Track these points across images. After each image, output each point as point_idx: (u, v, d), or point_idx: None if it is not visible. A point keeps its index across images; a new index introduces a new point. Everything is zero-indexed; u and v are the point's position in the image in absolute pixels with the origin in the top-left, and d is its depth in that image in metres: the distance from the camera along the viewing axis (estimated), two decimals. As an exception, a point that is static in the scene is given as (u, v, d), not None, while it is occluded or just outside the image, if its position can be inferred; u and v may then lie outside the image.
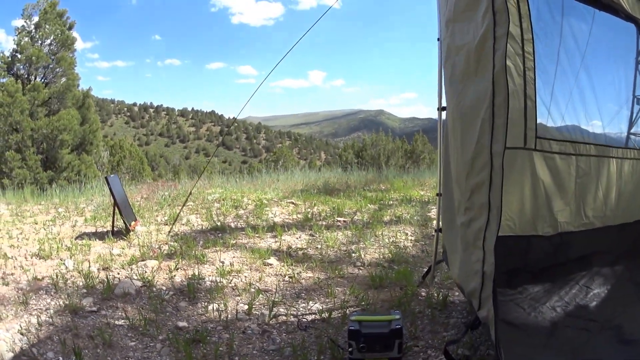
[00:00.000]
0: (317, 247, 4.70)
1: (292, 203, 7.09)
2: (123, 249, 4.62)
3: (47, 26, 17.23)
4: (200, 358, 2.55)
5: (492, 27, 2.18)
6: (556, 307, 2.66)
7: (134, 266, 4.02)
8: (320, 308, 3.23)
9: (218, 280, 3.71)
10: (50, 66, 17.17)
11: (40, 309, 3.16)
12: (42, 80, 17.15)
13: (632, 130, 3.59)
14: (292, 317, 3.12)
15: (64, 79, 17.27)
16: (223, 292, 3.51)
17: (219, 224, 5.61)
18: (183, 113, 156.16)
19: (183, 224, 5.72)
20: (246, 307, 3.23)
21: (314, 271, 3.98)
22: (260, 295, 3.46)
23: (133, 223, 5.30)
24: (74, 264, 4.07)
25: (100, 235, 5.08)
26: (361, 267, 4.09)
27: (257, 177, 10.68)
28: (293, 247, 4.72)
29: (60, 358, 2.53)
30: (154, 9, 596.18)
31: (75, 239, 4.97)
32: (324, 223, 5.72)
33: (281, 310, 3.22)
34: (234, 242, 4.84)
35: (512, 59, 2.36)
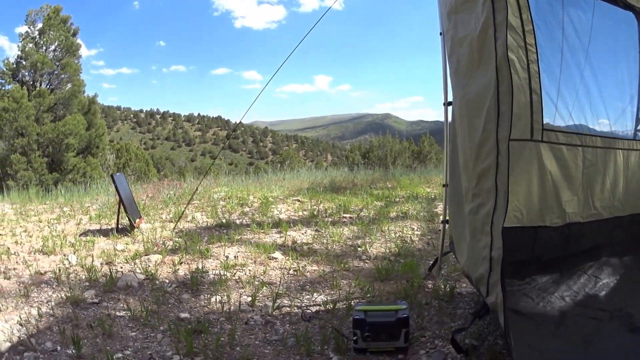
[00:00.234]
0: (322, 242, 4.65)
1: (298, 200, 7.05)
2: (127, 244, 4.59)
3: (51, 32, 17.18)
4: (201, 348, 2.50)
5: (492, 15, 2.21)
6: (565, 297, 2.61)
7: (137, 260, 4.00)
8: (325, 300, 3.18)
9: (222, 274, 3.67)
10: (55, 72, 17.12)
11: (42, 301, 3.14)
12: (48, 86, 17.10)
13: (639, 128, 3.52)
14: (296, 308, 3.07)
15: (69, 85, 17.20)
16: (227, 284, 3.47)
17: (224, 220, 5.58)
18: (189, 118, 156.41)
19: (188, 221, 5.70)
20: (249, 299, 3.18)
21: (319, 264, 3.93)
22: (264, 287, 3.42)
23: (138, 220, 5.29)
24: (78, 259, 4.05)
25: (105, 232, 5.06)
26: (367, 261, 4.04)
27: (263, 176, 10.67)
28: (298, 241, 4.68)
29: (59, 347, 2.49)
30: (156, 14, 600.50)
31: (80, 235, 4.95)
32: (329, 219, 5.67)
33: (285, 302, 3.18)
34: (239, 237, 4.80)
35: (515, 51, 2.34)
